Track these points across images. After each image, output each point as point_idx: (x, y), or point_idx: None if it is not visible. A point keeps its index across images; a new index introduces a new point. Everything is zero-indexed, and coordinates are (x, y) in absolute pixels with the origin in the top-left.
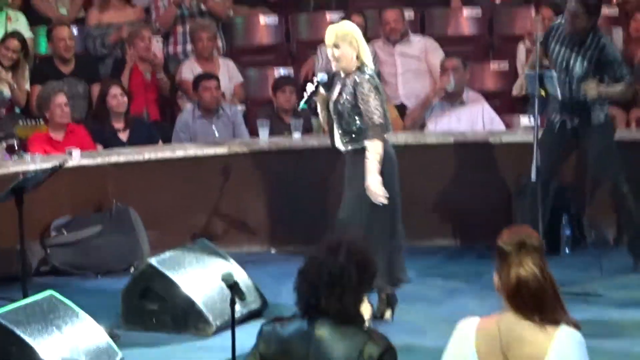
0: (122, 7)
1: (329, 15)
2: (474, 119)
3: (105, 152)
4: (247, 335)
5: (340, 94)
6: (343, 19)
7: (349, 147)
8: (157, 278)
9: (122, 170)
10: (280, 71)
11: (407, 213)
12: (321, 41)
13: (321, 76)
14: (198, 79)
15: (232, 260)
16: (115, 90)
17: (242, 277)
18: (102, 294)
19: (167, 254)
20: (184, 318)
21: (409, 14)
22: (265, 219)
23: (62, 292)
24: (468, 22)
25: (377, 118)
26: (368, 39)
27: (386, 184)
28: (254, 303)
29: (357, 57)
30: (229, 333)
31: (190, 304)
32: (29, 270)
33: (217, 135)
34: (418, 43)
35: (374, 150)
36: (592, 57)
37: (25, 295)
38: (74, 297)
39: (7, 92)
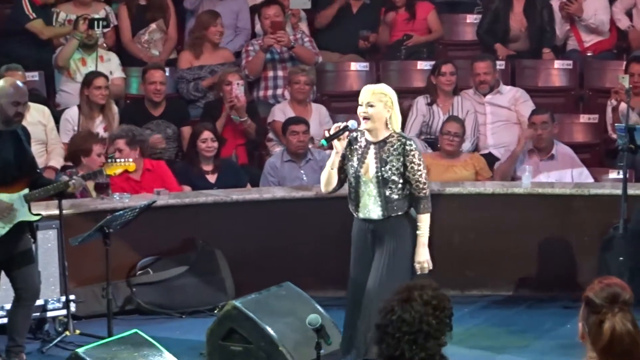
0: (212, 50)
1: (420, 64)
2: (563, 173)
3: (193, 193)
4: None
5: (382, 160)
6: (434, 68)
7: (389, 214)
8: (241, 320)
9: (209, 211)
10: None
11: (490, 262)
12: (411, 90)
13: (352, 122)
14: (287, 123)
15: (316, 304)
16: (206, 134)
17: (326, 321)
18: (187, 334)
19: (252, 296)
20: None
21: (500, 64)
22: (344, 266)
23: (146, 330)
24: (559, 73)
25: (428, 190)
26: (459, 89)
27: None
28: (337, 347)
29: (388, 122)
30: None
31: (274, 347)
32: (114, 308)
33: (304, 179)
34: (508, 93)
35: (427, 223)
36: None
37: (110, 334)
38: (158, 336)
39: None
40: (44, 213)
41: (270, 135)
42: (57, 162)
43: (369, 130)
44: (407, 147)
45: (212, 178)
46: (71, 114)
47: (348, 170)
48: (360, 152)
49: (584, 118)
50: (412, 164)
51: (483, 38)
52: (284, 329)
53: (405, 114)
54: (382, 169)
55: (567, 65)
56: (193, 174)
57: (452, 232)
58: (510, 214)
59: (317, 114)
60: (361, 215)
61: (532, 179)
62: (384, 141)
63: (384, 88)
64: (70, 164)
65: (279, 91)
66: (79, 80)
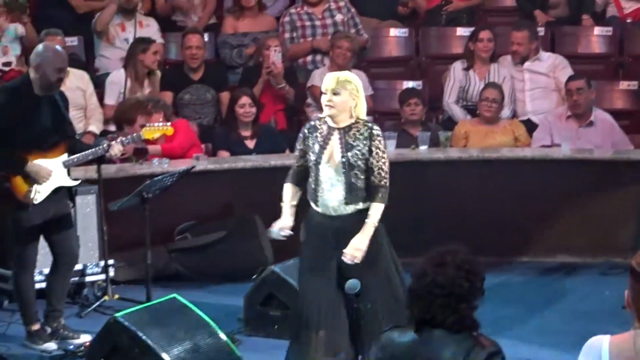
0: (256, 16)
1: (460, 31)
2: (603, 139)
3: (232, 158)
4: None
5: (348, 144)
6: (472, 34)
7: (352, 209)
8: (280, 285)
9: (248, 176)
10: (409, 84)
11: (529, 228)
12: (451, 56)
13: (275, 233)
14: None
15: None
16: (244, 99)
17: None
18: (225, 299)
19: (291, 262)
20: None
21: (539, 30)
22: (389, 230)
23: (185, 296)
24: (598, 40)
25: (388, 181)
26: (498, 55)
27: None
28: None
29: (353, 110)
30: None
31: None
32: (153, 273)
33: None
34: (547, 60)
35: (379, 213)
36: None
37: (148, 298)
38: (196, 301)
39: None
40: (82, 178)
41: (309, 100)
42: (96, 127)
43: (332, 118)
44: (374, 132)
45: (250, 143)
46: (118, 77)
47: (309, 159)
48: (321, 139)
49: (623, 85)
50: (377, 150)
51: (522, 4)
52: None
53: (442, 82)
54: (348, 153)
55: (607, 32)
56: (231, 140)
57: (491, 198)
58: (549, 180)
59: None
60: (321, 208)
61: (572, 145)
62: (349, 127)
63: (348, 75)
64: (112, 128)
65: (319, 57)
66: (118, 46)
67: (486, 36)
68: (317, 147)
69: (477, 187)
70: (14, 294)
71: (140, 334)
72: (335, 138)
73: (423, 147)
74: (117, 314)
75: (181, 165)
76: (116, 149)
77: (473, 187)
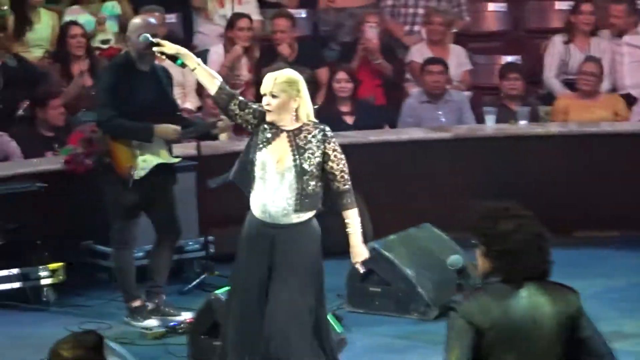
0: None
1: (558, 4)
2: None
3: None
4: None
5: (299, 147)
6: (574, 7)
7: (297, 218)
8: (380, 261)
9: (346, 152)
10: (508, 59)
11: (636, 201)
12: (549, 30)
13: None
14: (425, 63)
15: (456, 245)
16: (341, 75)
17: (467, 262)
18: (326, 276)
19: (391, 238)
20: (406, 301)
21: None
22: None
23: None
24: None
25: (350, 182)
26: (597, 27)
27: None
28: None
29: (297, 112)
30: None
31: (412, 288)
32: None
33: (442, 120)
34: None
35: (358, 218)
36: None
37: None
38: None
39: None
40: (182, 155)
41: (408, 76)
42: (192, 103)
43: (275, 122)
44: (328, 134)
45: (349, 119)
46: (218, 51)
47: (254, 158)
48: (268, 138)
49: None
50: (335, 152)
51: None
52: (423, 271)
53: (542, 55)
54: (300, 157)
55: None
56: (330, 116)
57: (591, 172)
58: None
59: (455, 54)
60: (261, 214)
61: None
62: (299, 129)
63: (288, 76)
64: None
65: (416, 27)
66: (216, 22)
67: (588, 9)
68: (264, 148)
69: (576, 162)
70: (115, 271)
71: None
72: (284, 140)
73: (523, 122)
74: (218, 291)
75: None
76: (225, 123)
77: (573, 161)
